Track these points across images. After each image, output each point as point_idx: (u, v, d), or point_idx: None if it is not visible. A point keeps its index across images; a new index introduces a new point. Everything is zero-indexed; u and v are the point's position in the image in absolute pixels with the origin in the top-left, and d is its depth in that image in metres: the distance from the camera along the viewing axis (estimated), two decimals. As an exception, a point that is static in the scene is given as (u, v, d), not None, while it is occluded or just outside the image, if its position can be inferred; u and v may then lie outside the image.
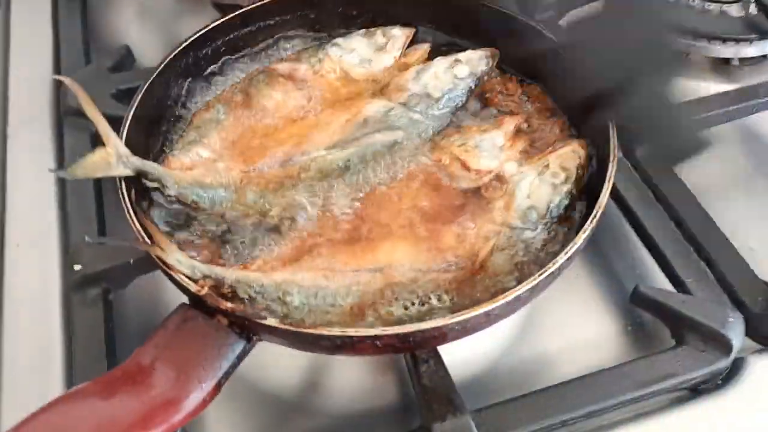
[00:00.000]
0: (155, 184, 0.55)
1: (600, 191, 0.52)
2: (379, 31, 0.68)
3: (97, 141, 0.57)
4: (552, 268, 0.47)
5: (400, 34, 0.68)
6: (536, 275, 0.47)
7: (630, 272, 0.63)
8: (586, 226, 0.49)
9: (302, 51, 0.68)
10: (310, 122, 0.62)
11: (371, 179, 0.58)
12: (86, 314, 0.56)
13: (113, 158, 0.52)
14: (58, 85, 0.76)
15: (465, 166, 0.59)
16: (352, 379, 0.59)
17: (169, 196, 0.56)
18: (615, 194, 0.63)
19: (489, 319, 0.47)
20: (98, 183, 0.66)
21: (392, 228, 0.55)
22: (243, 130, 0.62)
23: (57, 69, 0.78)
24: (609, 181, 0.52)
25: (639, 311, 0.59)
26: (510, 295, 0.46)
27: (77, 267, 0.58)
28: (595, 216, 0.50)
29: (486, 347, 0.60)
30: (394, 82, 0.64)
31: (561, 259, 0.47)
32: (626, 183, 0.63)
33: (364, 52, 0.67)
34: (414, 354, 0.51)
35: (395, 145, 0.60)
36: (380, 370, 0.59)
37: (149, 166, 0.54)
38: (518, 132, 0.61)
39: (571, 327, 0.60)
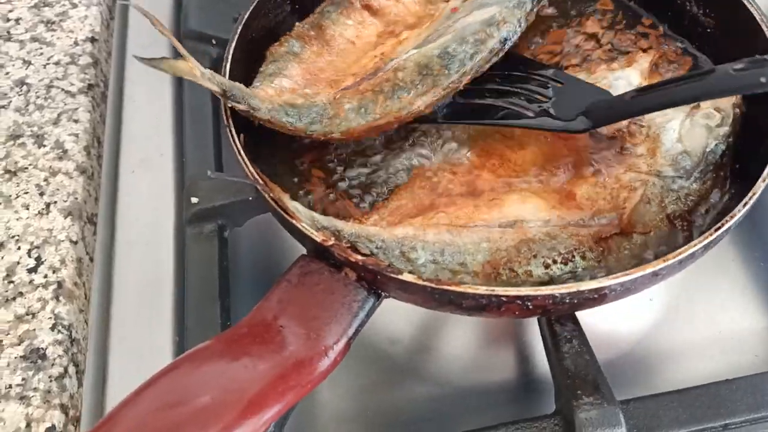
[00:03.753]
0: (243, 107, 0.47)
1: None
2: None
3: (218, 66, 0.52)
4: (729, 222, 0.41)
5: None
6: (712, 230, 0.41)
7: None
8: (765, 173, 0.43)
9: None
10: (393, 43, 0.55)
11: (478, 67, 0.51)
12: (200, 249, 0.53)
13: (197, 72, 0.46)
14: (179, 9, 0.72)
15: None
16: (467, 347, 0.54)
17: (260, 120, 0.49)
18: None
19: (656, 278, 0.41)
20: (216, 110, 0.62)
21: (516, 178, 0.50)
22: (323, 62, 0.56)
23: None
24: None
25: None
26: (683, 253, 0.40)
27: (194, 200, 0.54)
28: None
29: (625, 328, 0.54)
30: None
31: (739, 212, 0.42)
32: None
33: None
34: (555, 331, 0.46)
35: (493, 22, 0.51)
36: (499, 340, 0.54)
37: (236, 87, 0.47)
38: (654, 69, 0.55)
39: (721, 316, 0.54)
